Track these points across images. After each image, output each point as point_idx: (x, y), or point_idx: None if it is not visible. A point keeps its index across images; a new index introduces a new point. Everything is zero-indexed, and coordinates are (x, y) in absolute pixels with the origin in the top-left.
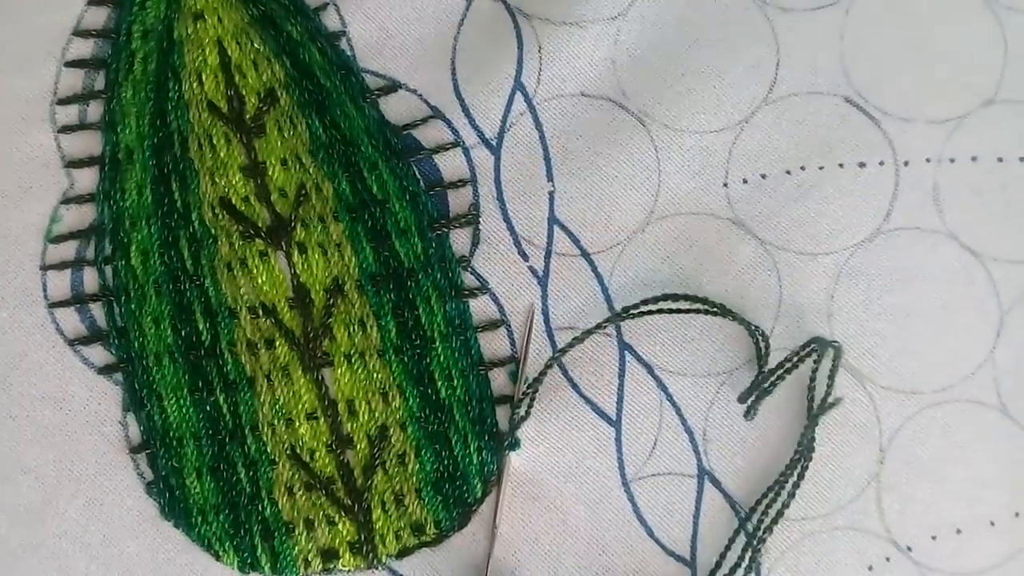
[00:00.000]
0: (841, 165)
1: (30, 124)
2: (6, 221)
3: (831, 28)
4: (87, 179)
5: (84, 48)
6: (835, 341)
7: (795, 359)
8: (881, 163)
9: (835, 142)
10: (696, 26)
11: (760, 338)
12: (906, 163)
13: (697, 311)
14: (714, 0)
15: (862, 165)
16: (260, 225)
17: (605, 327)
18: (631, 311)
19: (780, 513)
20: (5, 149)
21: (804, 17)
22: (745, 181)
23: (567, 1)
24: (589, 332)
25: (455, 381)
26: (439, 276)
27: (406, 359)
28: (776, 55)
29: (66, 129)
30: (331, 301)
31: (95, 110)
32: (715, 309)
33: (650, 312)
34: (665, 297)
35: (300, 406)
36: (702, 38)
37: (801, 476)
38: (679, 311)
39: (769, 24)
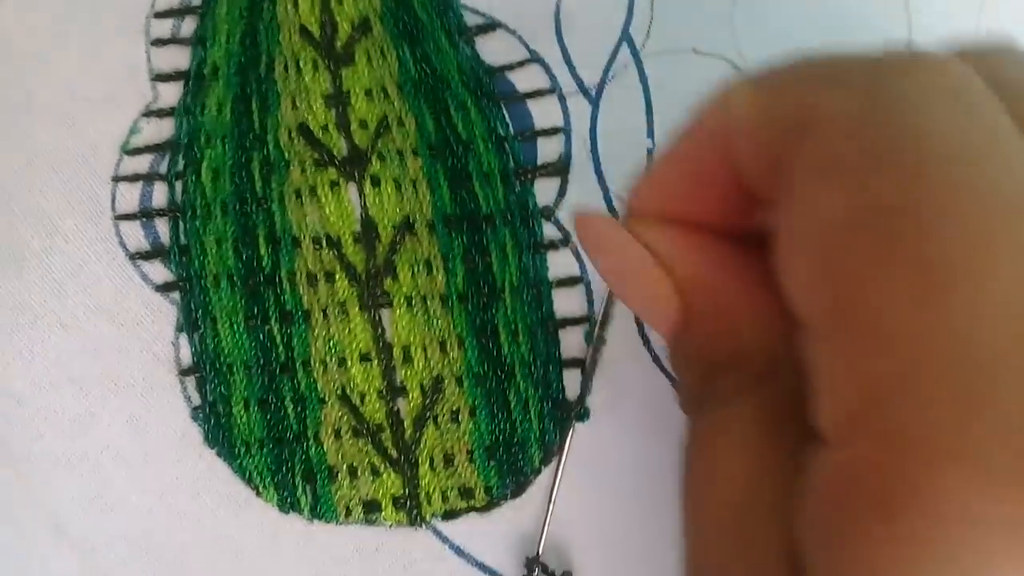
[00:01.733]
0: None
1: (125, 35)
2: (86, 128)
3: (970, 10)
4: (171, 94)
5: None
6: None
7: None
8: None
9: None
10: None
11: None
12: None
13: None
14: None
15: None
16: (336, 154)
17: None
18: None
19: None
20: (97, 57)
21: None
22: None
23: None
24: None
25: (520, 337)
26: (518, 225)
27: (470, 308)
28: (908, 32)
29: (158, 42)
30: (398, 238)
31: (188, 25)
32: None
33: None
34: None
35: (354, 345)
36: (831, 8)
37: None
38: None
39: (905, 6)
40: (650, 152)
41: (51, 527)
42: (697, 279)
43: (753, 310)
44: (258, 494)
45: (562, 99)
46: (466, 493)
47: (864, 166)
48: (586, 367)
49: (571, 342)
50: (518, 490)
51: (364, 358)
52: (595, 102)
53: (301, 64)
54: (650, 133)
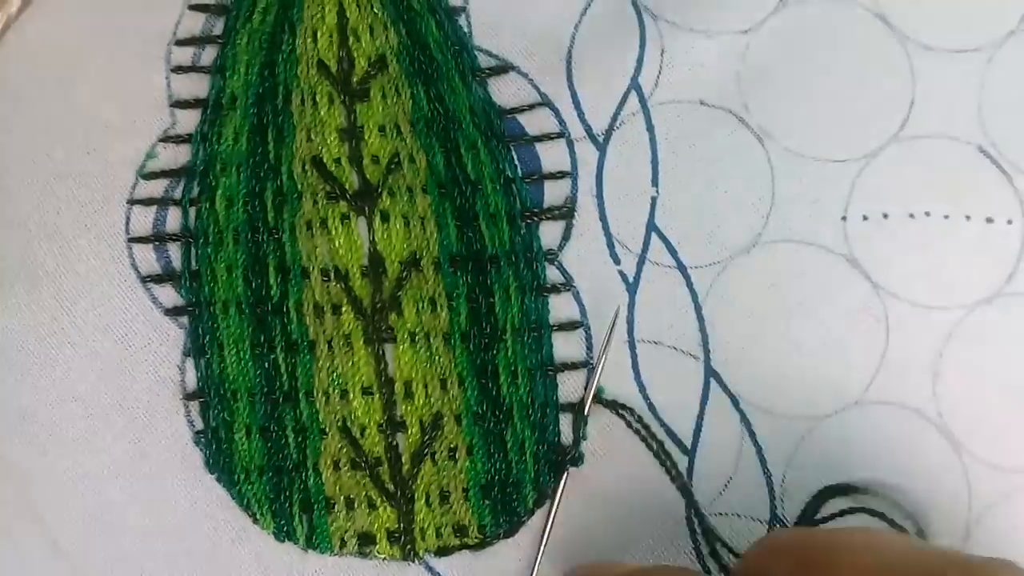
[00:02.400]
0: (968, 217)
1: (146, 61)
2: (105, 151)
3: (971, 74)
4: (188, 121)
5: None
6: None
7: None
8: (1009, 221)
9: (964, 192)
10: (830, 51)
11: None
12: None
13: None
14: (852, 27)
15: (989, 220)
16: (347, 188)
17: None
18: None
19: None
20: (118, 82)
21: (945, 58)
22: (865, 218)
23: (697, 8)
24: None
25: (519, 379)
26: (522, 266)
27: (471, 347)
28: (912, 93)
29: (179, 69)
30: (405, 274)
31: (209, 54)
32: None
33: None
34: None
35: (357, 378)
36: (835, 64)
37: None
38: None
39: (908, 60)
40: (654, 200)
41: (47, 544)
42: None
43: None
44: (255, 521)
45: (570, 144)
46: (460, 530)
47: None
48: (579, 411)
49: (569, 386)
50: (511, 530)
51: (366, 391)
52: (603, 148)
53: (317, 97)
54: (655, 181)
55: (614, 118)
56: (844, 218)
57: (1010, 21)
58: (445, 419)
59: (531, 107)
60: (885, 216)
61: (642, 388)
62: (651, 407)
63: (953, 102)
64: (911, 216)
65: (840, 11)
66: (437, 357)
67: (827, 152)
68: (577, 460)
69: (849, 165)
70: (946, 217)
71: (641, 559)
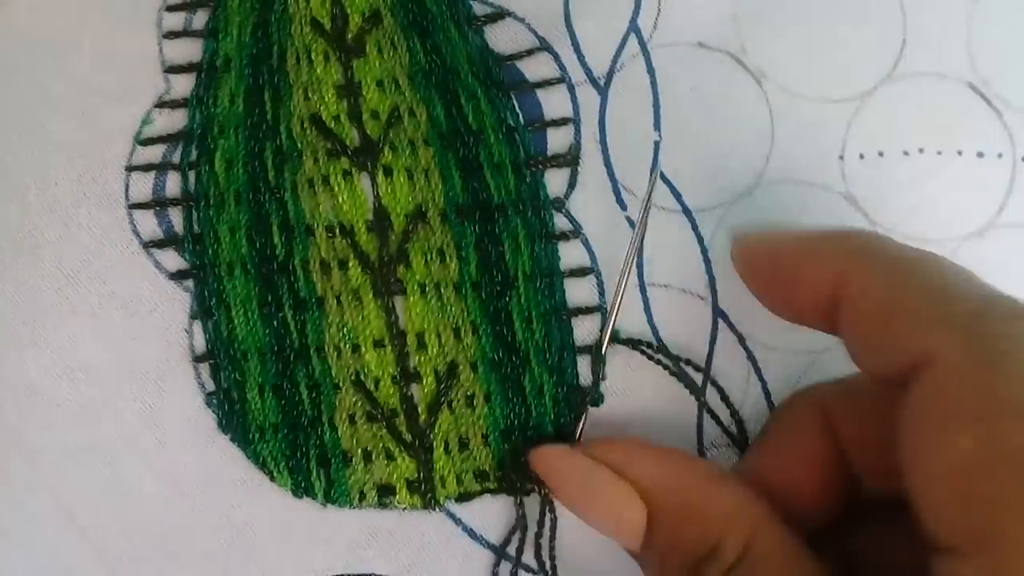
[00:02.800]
0: (959, 152)
1: (137, 27)
2: (100, 119)
3: (960, 10)
4: (183, 85)
5: None
6: None
7: None
8: (1000, 155)
9: (955, 128)
10: None
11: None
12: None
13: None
14: None
15: (980, 155)
16: (348, 144)
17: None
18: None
19: None
20: (110, 49)
21: None
22: (862, 156)
23: None
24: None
25: (534, 324)
26: (530, 214)
27: (483, 296)
28: (903, 33)
29: (170, 35)
30: (411, 227)
31: (200, 18)
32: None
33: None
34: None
35: (368, 332)
36: (830, 6)
37: None
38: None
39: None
40: (657, 144)
41: (61, 516)
42: (658, 483)
43: (720, 503)
44: (272, 479)
45: (571, 89)
46: (481, 476)
47: (987, 411)
48: (596, 352)
49: (584, 330)
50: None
51: (378, 344)
52: (604, 92)
53: (312, 56)
54: (657, 125)
55: (614, 61)
56: (841, 157)
57: None
58: (461, 367)
59: (530, 52)
60: (880, 154)
61: (654, 330)
62: (663, 347)
63: (943, 40)
64: (905, 153)
65: None
66: (449, 307)
67: (823, 92)
68: (597, 400)
69: (845, 105)
70: (939, 153)
71: None
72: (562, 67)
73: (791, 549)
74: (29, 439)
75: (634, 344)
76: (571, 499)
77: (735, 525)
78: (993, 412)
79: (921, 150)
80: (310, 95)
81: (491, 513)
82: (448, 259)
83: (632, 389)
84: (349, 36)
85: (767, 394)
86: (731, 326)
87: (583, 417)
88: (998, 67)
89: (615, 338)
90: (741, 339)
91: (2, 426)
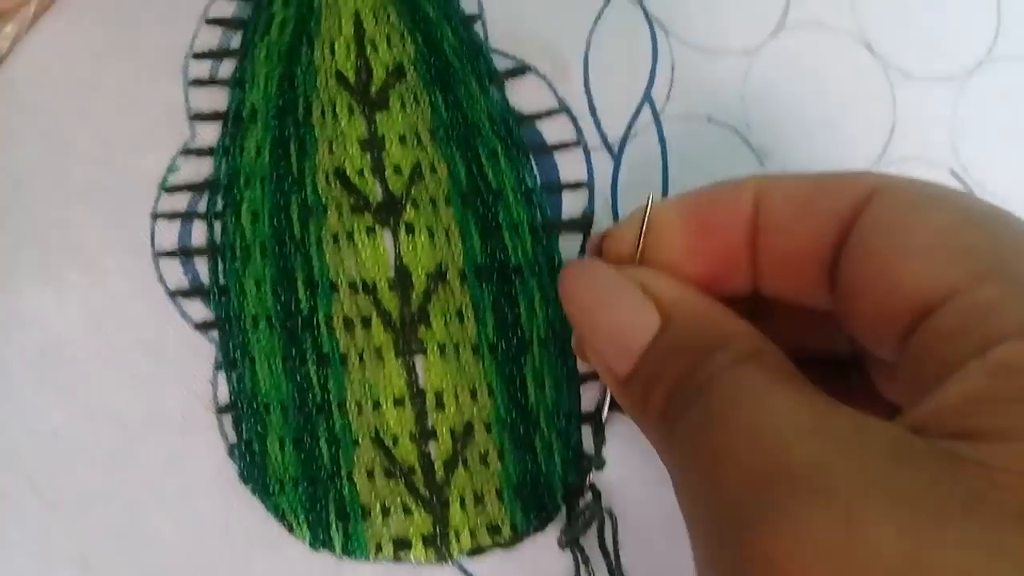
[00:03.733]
0: None
1: (163, 74)
2: (125, 166)
3: (945, 106)
4: (208, 134)
5: (226, 8)
6: None
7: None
8: None
9: None
10: (821, 76)
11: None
12: None
13: None
14: (841, 55)
15: None
16: (371, 200)
17: None
18: None
19: None
20: (136, 96)
21: (922, 86)
22: None
23: (705, 29)
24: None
25: (546, 389)
26: (545, 278)
27: (499, 358)
28: (892, 119)
29: (196, 83)
30: (432, 287)
31: (226, 67)
32: None
33: None
34: None
35: (388, 390)
36: (827, 90)
37: None
38: None
39: (890, 88)
40: None
41: (78, 562)
42: (674, 291)
43: (732, 319)
44: (291, 531)
45: (587, 153)
46: (493, 530)
47: None
48: (599, 423)
49: (590, 396)
50: (540, 525)
51: (398, 402)
52: (617, 158)
53: (337, 109)
54: (665, 191)
55: (628, 128)
56: None
57: (979, 53)
58: (476, 427)
59: (548, 113)
60: None
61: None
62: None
63: (929, 129)
64: None
65: (829, 37)
66: (466, 368)
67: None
68: (600, 464)
69: None
70: None
71: (663, 552)
72: (579, 130)
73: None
74: (49, 485)
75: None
76: (585, 304)
77: (745, 336)
78: None
79: None
80: (334, 148)
81: (501, 567)
82: (466, 320)
83: (632, 455)
84: (373, 90)
85: None
86: None
87: (588, 481)
88: (976, 154)
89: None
90: None
91: (22, 471)
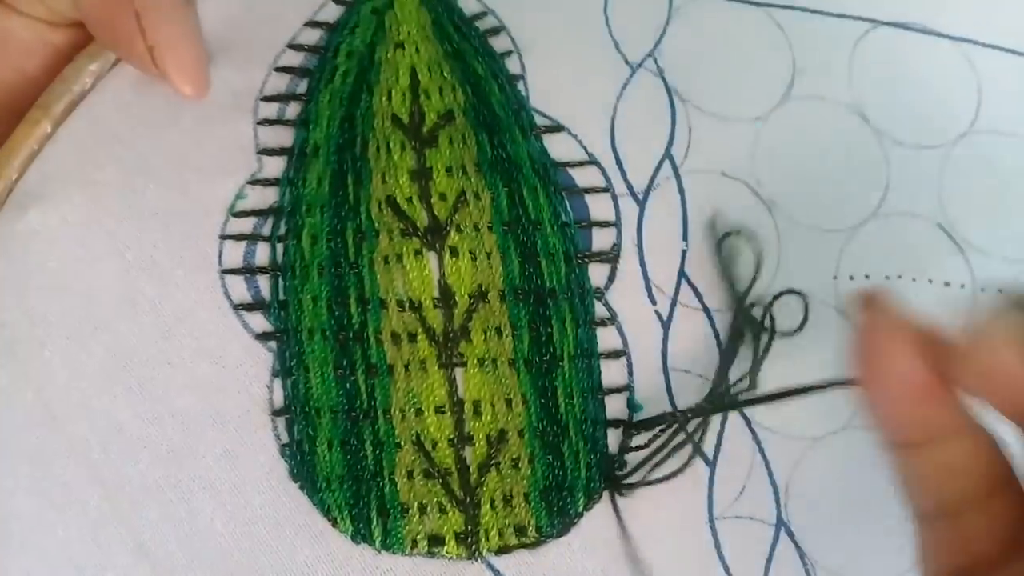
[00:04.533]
0: (930, 280)
1: (235, 113)
2: (200, 192)
3: (933, 166)
4: (273, 166)
5: (295, 59)
6: None
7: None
8: (962, 286)
9: (926, 260)
10: (823, 142)
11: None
12: (982, 290)
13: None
14: (839, 124)
15: (947, 284)
16: (418, 225)
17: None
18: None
19: None
20: (211, 131)
21: (911, 152)
22: (851, 278)
23: (719, 98)
24: (712, 411)
25: (575, 400)
26: (576, 301)
27: (534, 372)
28: (886, 179)
29: (265, 122)
30: (473, 306)
31: (292, 110)
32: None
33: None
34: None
35: (431, 399)
36: (828, 152)
37: None
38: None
39: (883, 152)
40: (684, 252)
41: (133, 547)
42: None
43: None
44: (334, 525)
45: (614, 198)
46: (520, 531)
47: None
48: (628, 431)
49: (613, 406)
50: (563, 530)
51: (439, 410)
52: (642, 205)
53: (391, 145)
54: (685, 236)
55: (651, 180)
56: (835, 277)
57: (963, 125)
58: (510, 434)
59: (580, 164)
60: (867, 277)
61: (674, 407)
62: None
63: (918, 188)
64: (887, 278)
65: (829, 108)
66: (503, 380)
67: (821, 223)
68: (622, 467)
69: (839, 235)
70: (913, 280)
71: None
72: (607, 179)
73: None
74: (111, 476)
75: (655, 422)
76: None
77: None
78: None
79: (899, 276)
80: (387, 179)
81: (525, 565)
82: (504, 336)
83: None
84: (425, 130)
85: (770, 472)
86: (740, 410)
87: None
88: (961, 212)
89: (637, 414)
90: (748, 421)
91: (87, 464)
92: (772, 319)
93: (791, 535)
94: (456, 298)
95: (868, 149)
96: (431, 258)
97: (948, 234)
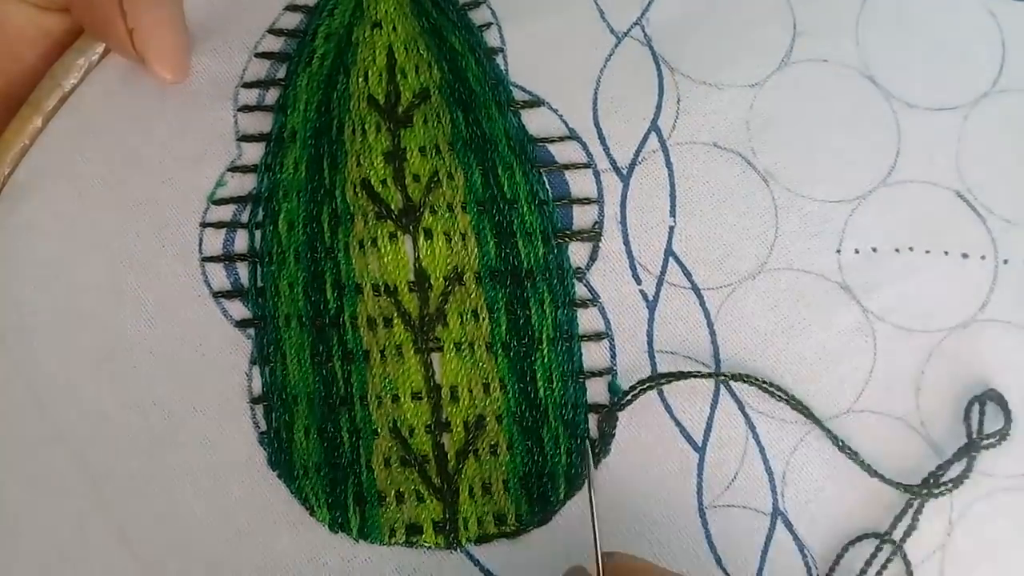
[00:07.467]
0: (946, 252)
1: (215, 100)
2: (179, 180)
3: (950, 130)
4: (253, 153)
5: (275, 44)
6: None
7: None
8: (983, 257)
9: (942, 231)
10: (826, 106)
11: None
12: (1005, 261)
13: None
14: (845, 87)
15: (965, 256)
16: (393, 207)
17: (707, 375)
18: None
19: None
20: (191, 119)
21: (925, 115)
22: (856, 251)
23: (710, 64)
24: (686, 375)
25: (554, 384)
26: (555, 282)
27: (512, 355)
28: (897, 144)
29: (245, 108)
30: (449, 288)
31: (271, 95)
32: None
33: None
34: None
35: (407, 385)
36: (831, 118)
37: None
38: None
39: (894, 116)
40: (671, 228)
41: (117, 536)
42: None
43: None
44: (312, 514)
45: (596, 174)
46: (499, 519)
47: None
48: (610, 412)
49: (595, 390)
50: (544, 519)
51: (415, 396)
52: (626, 180)
53: (366, 126)
54: (672, 212)
55: (636, 154)
56: (839, 251)
57: (984, 85)
58: (488, 420)
59: (560, 139)
60: (874, 250)
61: (660, 392)
62: (667, 407)
63: (933, 153)
64: (896, 251)
65: (834, 71)
66: (480, 364)
67: (823, 194)
68: (605, 453)
69: (843, 205)
70: (927, 252)
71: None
72: (589, 155)
73: None
74: (95, 465)
75: (648, 385)
76: None
77: None
78: None
79: (911, 248)
80: (362, 161)
81: (505, 555)
82: (481, 320)
83: (635, 446)
84: (400, 110)
85: (765, 459)
86: (732, 393)
87: (591, 464)
88: (983, 179)
89: (619, 398)
90: (740, 405)
91: (72, 453)
92: None
93: (788, 525)
94: (431, 281)
95: (877, 113)
96: (406, 241)
97: (967, 202)
